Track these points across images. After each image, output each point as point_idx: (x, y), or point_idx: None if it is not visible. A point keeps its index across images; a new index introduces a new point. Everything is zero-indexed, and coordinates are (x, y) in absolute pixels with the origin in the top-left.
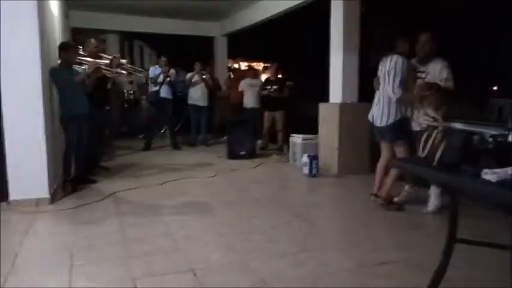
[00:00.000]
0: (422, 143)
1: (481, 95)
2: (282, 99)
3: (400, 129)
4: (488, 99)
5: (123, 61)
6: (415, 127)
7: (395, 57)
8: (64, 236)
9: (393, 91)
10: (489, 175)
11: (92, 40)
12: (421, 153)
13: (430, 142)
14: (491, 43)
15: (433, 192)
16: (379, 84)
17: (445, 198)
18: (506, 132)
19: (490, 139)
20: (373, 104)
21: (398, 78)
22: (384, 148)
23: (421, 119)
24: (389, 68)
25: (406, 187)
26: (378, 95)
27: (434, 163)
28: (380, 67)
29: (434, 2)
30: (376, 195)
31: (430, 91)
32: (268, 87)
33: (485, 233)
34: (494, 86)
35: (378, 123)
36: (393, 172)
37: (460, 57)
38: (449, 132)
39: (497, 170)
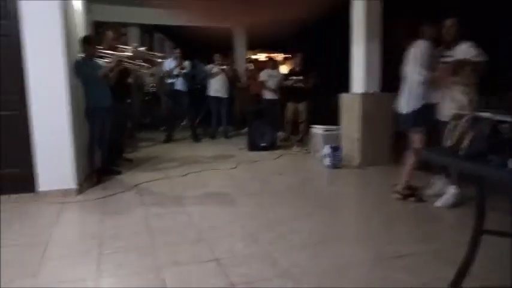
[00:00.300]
0: (447, 132)
1: (502, 86)
2: (305, 90)
3: (421, 117)
4: (509, 91)
5: (142, 49)
6: (442, 117)
7: (420, 42)
8: (92, 226)
9: (419, 74)
10: None
11: (109, 32)
12: (447, 143)
13: (456, 131)
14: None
15: (450, 188)
16: None
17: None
18: None
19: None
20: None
21: (423, 61)
22: (414, 137)
23: (446, 110)
24: (414, 53)
25: (453, 189)
26: (404, 83)
27: (461, 152)
28: (407, 55)
29: None
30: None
31: (459, 68)
32: (293, 77)
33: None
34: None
35: (403, 110)
36: (411, 160)
37: (486, 48)
38: (476, 120)
39: None
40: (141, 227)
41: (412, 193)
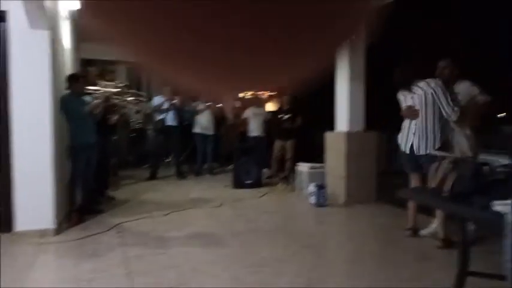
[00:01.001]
0: (432, 173)
1: (490, 122)
2: (292, 128)
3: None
4: (497, 127)
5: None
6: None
7: (431, 81)
8: (68, 269)
9: (452, 112)
10: (500, 206)
11: (92, 69)
12: (432, 183)
13: (440, 172)
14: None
15: (438, 217)
16: (414, 113)
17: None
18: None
19: (500, 169)
20: (402, 133)
21: (449, 99)
22: (416, 179)
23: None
24: (430, 92)
25: (435, 223)
26: (413, 124)
27: (445, 193)
28: (409, 96)
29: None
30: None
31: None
32: (281, 116)
33: (498, 265)
34: (501, 112)
35: (421, 152)
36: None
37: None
38: (458, 162)
39: (508, 201)
40: (120, 269)
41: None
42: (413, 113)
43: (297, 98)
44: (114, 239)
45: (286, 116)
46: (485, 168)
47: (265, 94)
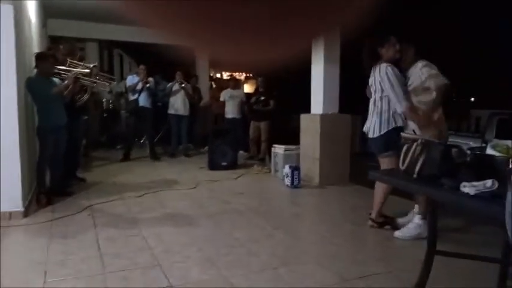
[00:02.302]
0: (402, 156)
1: (461, 106)
2: (267, 110)
3: (390, 141)
4: (469, 110)
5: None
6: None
7: (383, 66)
8: (37, 252)
9: (400, 104)
10: (467, 188)
11: (60, 47)
12: (402, 166)
13: (409, 155)
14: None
15: (416, 217)
16: (371, 93)
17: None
18: (484, 145)
19: (468, 152)
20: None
21: (399, 89)
22: (382, 163)
23: (402, 133)
24: (380, 78)
25: (416, 219)
26: (370, 105)
27: (414, 175)
28: (371, 77)
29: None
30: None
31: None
32: (256, 98)
33: (466, 245)
34: (471, 97)
35: (370, 135)
36: (381, 186)
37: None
38: (428, 145)
39: (475, 183)
40: (92, 251)
41: (387, 221)
42: (370, 93)
43: (270, 79)
44: (85, 221)
45: (261, 98)
46: (454, 150)
47: (243, 75)
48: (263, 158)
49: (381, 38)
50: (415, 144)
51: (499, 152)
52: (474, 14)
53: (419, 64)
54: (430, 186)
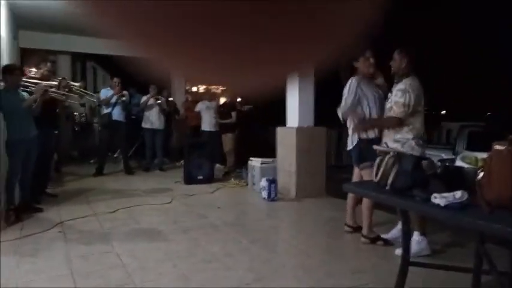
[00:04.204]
0: (375, 168)
1: (433, 118)
2: (229, 123)
3: (364, 152)
4: (440, 123)
5: (75, 84)
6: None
7: (351, 79)
8: (5, 271)
9: (341, 109)
10: (438, 199)
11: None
12: (375, 178)
13: (382, 167)
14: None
15: (414, 235)
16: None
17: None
18: (454, 157)
19: (439, 163)
20: None
21: (346, 97)
22: (354, 174)
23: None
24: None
25: (415, 236)
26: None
27: (387, 187)
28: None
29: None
30: (349, 226)
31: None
32: (221, 109)
33: (447, 256)
34: (442, 110)
35: (347, 147)
36: (365, 202)
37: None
38: (400, 157)
39: (445, 195)
40: (63, 270)
41: (378, 236)
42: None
43: (234, 93)
44: (56, 239)
45: (221, 110)
46: (425, 162)
47: (219, 88)
48: (229, 171)
49: (357, 53)
50: (387, 156)
51: (468, 163)
52: (446, 28)
53: (408, 81)
54: (402, 198)
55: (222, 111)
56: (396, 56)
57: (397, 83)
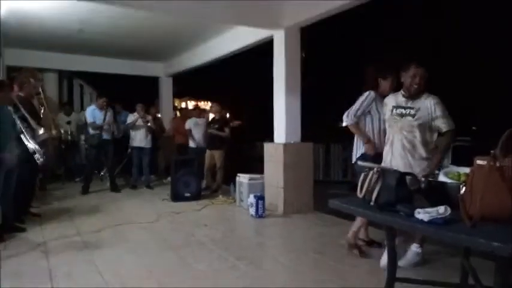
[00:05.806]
0: (360, 183)
1: None
2: (221, 138)
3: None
4: None
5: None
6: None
7: (370, 91)
8: None
9: (344, 117)
10: (421, 214)
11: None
12: (359, 194)
13: (366, 182)
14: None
15: (413, 246)
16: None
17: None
18: (437, 172)
19: (422, 179)
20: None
21: (355, 107)
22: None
23: (359, 161)
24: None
25: (414, 247)
26: None
27: (372, 203)
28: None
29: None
30: (363, 240)
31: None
32: (214, 125)
33: (433, 267)
34: None
35: (352, 160)
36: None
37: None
38: (384, 173)
39: (429, 210)
40: None
41: (357, 244)
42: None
43: (225, 108)
44: (39, 259)
45: (215, 126)
46: (409, 178)
47: (208, 105)
48: (216, 189)
49: (387, 71)
50: (371, 172)
51: (451, 178)
52: (435, 40)
53: (433, 99)
54: (386, 213)
55: (217, 128)
56: (424, 73)
57: (410, 98)
